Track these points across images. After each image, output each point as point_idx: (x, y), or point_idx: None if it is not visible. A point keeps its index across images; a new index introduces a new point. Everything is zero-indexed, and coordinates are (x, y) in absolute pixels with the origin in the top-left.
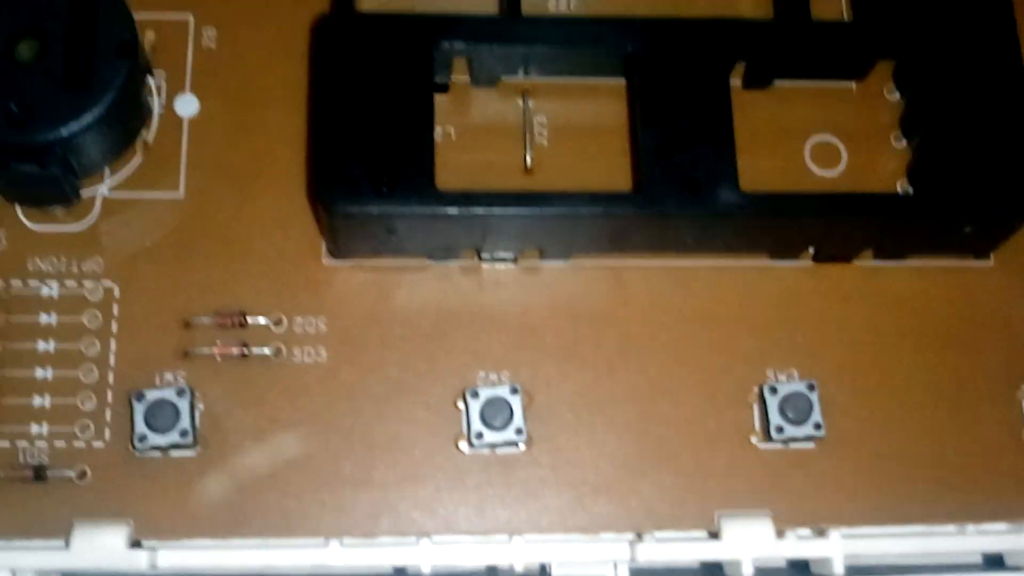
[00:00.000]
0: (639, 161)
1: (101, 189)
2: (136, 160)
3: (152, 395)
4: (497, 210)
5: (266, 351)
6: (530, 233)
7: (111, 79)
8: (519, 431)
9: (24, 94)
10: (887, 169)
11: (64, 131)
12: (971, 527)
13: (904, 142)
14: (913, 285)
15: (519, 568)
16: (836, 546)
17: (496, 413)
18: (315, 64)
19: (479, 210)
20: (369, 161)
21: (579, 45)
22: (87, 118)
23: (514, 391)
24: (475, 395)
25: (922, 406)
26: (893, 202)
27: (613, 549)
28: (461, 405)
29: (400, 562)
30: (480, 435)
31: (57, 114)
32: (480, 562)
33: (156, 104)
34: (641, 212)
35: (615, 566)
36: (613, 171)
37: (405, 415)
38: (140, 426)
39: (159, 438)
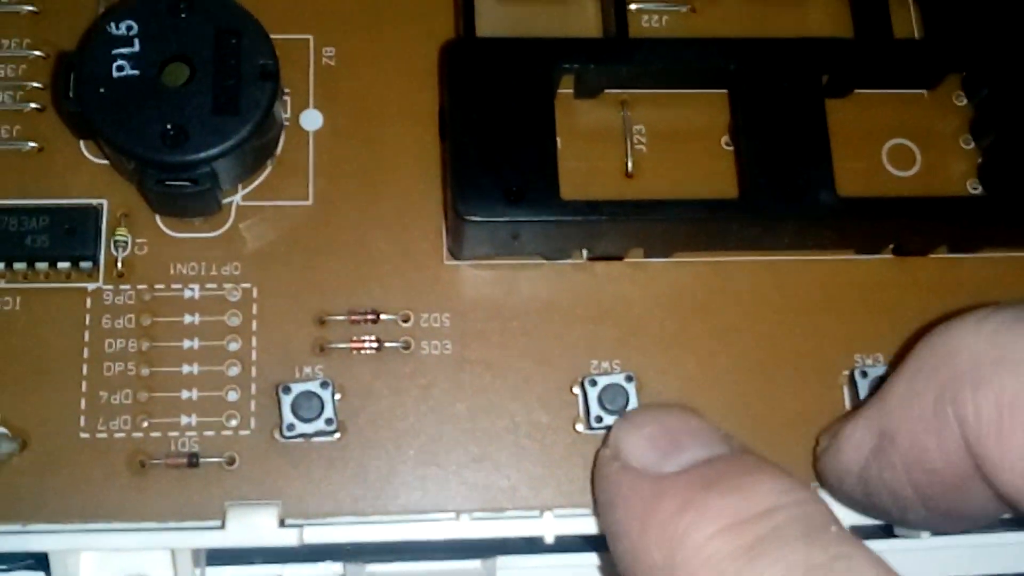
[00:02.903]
0: (744, 170)
1: (235, 199)
2: (266, 171)
3: (298, 387)
4: (617, 218)
5: (397, 345)
6: (639, 235)
7: (257, 101)
8: None
9: (178, 117)
10: (958, 169)
11: (217, 150)
12: None
13: (973, 144)
14: (986, 275)
15: None
16: None
17: (614, 398)
18: (449, 87)
19: (600, 218)
20: (500, 175)
21: (687, 64)
22: (237, 138)
23: (629, 379)
24: (593, 383)
25: None
26: (970, 204)
27: None
28: (577, 391)
29: (525, 533)
30: (599, 419)
31: (210, 135)
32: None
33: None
34: (748, 217)
35: None
36: (707, 176)
37: (525, 401)
38: (288, 416)
39: (306, 427)
